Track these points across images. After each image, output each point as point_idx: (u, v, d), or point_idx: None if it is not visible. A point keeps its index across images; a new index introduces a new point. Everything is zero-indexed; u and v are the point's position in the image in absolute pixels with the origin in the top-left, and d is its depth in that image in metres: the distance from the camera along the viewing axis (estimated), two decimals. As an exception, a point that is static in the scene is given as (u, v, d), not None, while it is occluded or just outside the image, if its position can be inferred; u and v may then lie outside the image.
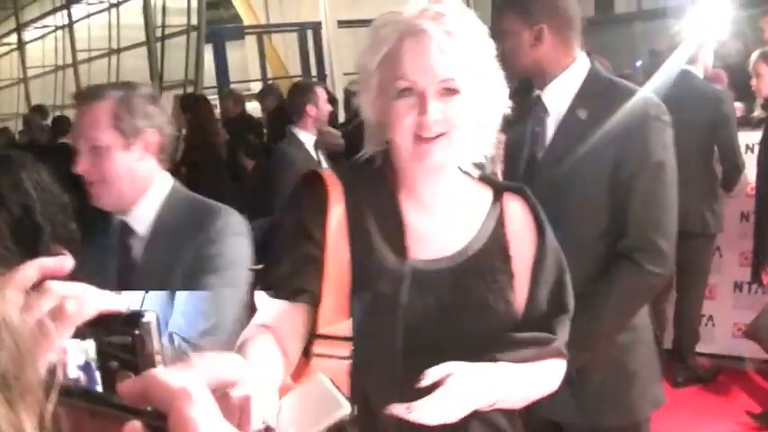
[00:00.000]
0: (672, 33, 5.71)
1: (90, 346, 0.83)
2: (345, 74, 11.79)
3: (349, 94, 7.70)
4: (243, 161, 7.51)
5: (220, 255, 2.33)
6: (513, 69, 2.50)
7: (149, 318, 0.83)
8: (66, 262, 0.87)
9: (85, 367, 0.84)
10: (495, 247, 1.88)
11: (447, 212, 1.88)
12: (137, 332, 0.82)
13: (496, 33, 2.62)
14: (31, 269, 0.84)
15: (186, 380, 0.69)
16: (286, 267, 1.79)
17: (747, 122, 5.75)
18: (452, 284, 1.82)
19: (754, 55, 5.07)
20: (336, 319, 1.77)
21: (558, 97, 2.64)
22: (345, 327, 1.76)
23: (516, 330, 1.82)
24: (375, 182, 1.88)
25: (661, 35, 6.36)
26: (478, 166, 1.91)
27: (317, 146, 5.68)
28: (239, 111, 9.24)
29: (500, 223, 1.89)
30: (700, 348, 5.83)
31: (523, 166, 2.71)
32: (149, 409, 0.69)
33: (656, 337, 2.78)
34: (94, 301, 0.82)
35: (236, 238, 2.37)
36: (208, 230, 2.34)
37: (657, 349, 2.73)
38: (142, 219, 2.44)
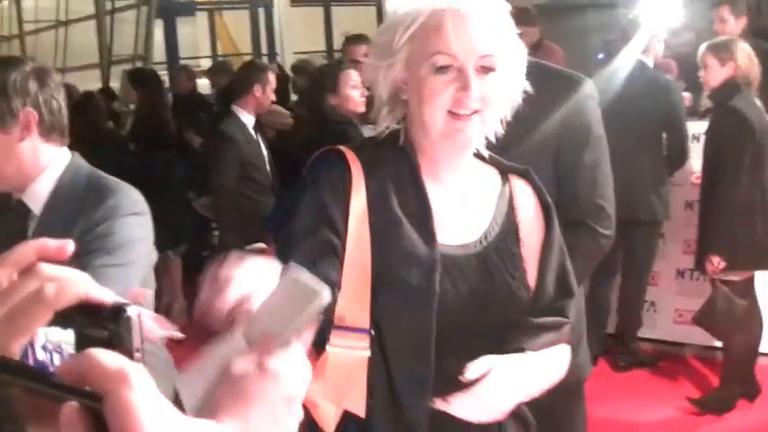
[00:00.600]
0: (624, 23, 5.77)
1: (70, 336, 0.80)
2: (296, 53, 11.71)
3: (298, 72, 7.64)
4: (189, 138, 7.44)
5: (110, 234, 2.26)
6: None
7: (131, 313, 0.80)
8: (69, 245, 0.85)
9: (60, 356, 0.81)
10: (509, 231, 1.86)
11: (464, 195, 1.85)
12: (115, 327, 0.79)
13: None
14: (27, 249, 0.81)
15: (124, 361, 0.68)
16: (303, 254, 1.69)
17: (695, 113, 5.84)
18: (480, 271, 1.79)
19: (703, 47, 5.12)
20: (355, 310, 1.71)
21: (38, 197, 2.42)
22: (365, 318, 1.70)
23: (528, 315, 1.81)
24: (397, 162, 1.82)
25: (614, 25, 6.39)
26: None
27: (258, 125, 5.64)
28: (191, 87, 9.14)
29: (511, 206, 1.88)
30: (642, 334, 5.91)
31: None
32: (88, 389, 0.67)
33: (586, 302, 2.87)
34: (77, 288, 0.79)
35: (128, 217, 2.30)
36: (97, 210, 2.27)
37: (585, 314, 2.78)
38: (37, 197, 2.34)
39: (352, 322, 1.70)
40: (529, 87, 1.82)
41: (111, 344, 0.78)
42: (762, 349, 5.25)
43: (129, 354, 0.77)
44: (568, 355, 1.88)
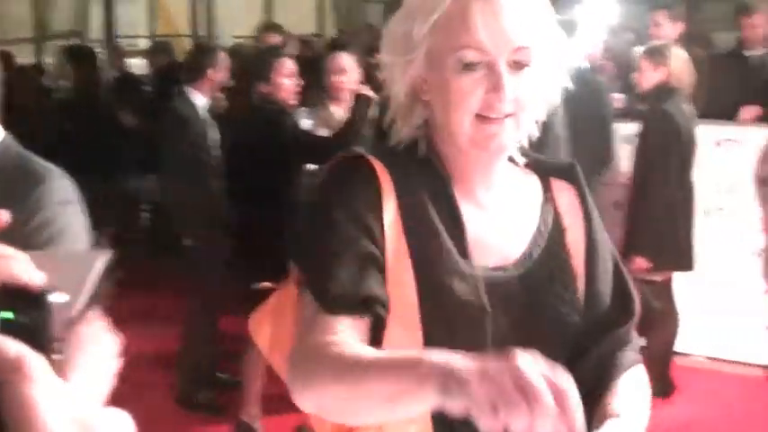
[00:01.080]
0: (563, 23, 5.82)
1: None
2: (235, 36, 11.61)
3: (234, 56, 7.61)
4: (124, 118, 7.35)
5: (49, 224, 2.21)
6: None
7: (55, 300, 0.77)
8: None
9: None
10: (557, 241, 1.60)
11: (500, 209, 1.59)
12: (38, 312, 0.76)
13: None
14: None
15: (24, 350, 0.68)
16: (348, 272, 1.43)
17: (628, 114, 5.93)
18: (524, 296, 1.54)
19: (639, 50, 5.21)
20: (407, 336, 1.45)
21: None
22: (418, 345, 1.44)
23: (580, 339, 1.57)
24: (426, 173, 1.54)
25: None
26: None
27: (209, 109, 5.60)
28: (121, 66, 9.05)
29: (556, 219, 1.62)
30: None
31: None
32: None
33: None
34: (2, 267, 0.77)
35: (67, 206, 2.24)
36: (30, 196, 2.21)
37: None
38: None
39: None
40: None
41: (32, 330, 0.76)
42: (677, 348, 5.37)
43: (49, 341, 0.75)
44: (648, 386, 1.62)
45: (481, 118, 1.45)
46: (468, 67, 1.44)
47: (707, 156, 5.40)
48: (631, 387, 1.56)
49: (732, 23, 6.66)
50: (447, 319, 1.46)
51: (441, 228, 1.49)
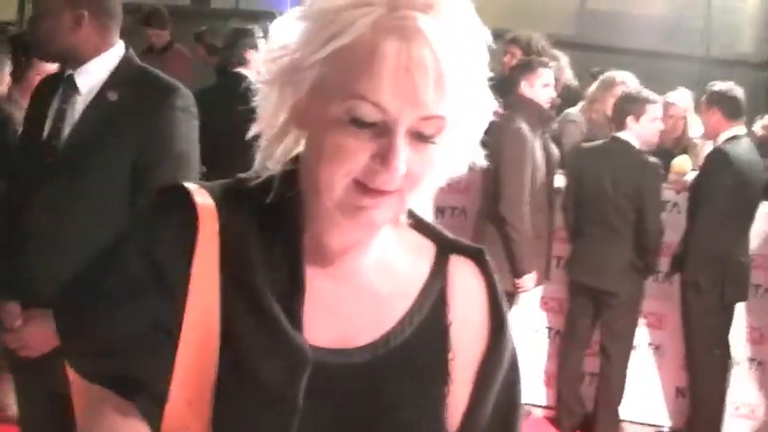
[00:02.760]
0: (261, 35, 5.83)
1: None
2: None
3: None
4: None
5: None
6: (47, 51, 2.88)
7: None
8: None
9: None
10: (430, 337, 1.25)
11: (364, 280, 1.24)
12: None
13: (35, 12, 2.84)
14: None
15: None
16: (118, 337, 1.12)
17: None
18: (361, 391, 1.20)
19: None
20: (189, 417, 1.12)
21: (89, 79, 2.76)
22: (204, 429, 1.13)
23: None
24: (273, 219, 1.19)
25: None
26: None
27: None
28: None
29: (441, 301, 1.26)
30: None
31: (40, 141, 2.79)
32: None
33: None
34: None
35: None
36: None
37: None
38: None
39: None
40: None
41: None
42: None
43: None
44: None
45: (359, 185, 1.10)
46: (357, 123, 1.07)
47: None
48: None
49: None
50: (245, 406, 1.14)
51: (268, 290, 1.15)
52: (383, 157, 1.08)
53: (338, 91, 1.08)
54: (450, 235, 1.31)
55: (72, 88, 2.78)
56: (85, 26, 2.73)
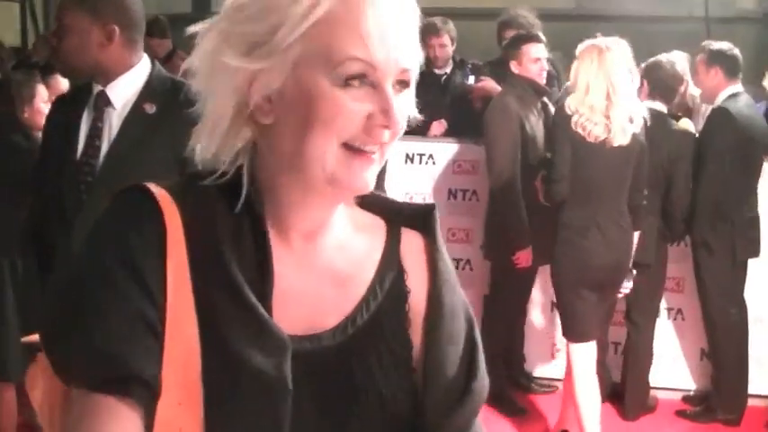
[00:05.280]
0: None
1: None
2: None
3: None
4: None
5: None
6: (77, 68, 2.86)
7: None
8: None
9: None
10: (393, 309, 1.30)
11: (325, 263, 1.28)
12: None
13: (61, 30, 2.81)
14: None
15: None
16: (111, 334, 1.11)
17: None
18: (339, 372, 1.25)
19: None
20: (182, 415, 1.14)
21: (123, 94, 2.80)
22: (196, 427, 1.14)
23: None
24: (233, 211, 1.22)
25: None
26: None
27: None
28: None
29: (399, 272, 1.32)
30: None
31: (74, 161, 2.79)
32: None
33: None
34: None
35: None
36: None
37: None
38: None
39: None
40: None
41: None
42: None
43: None
44: None
45: (349, 149, 1.17)
46: (352, 81, 1.14)
47: (398, 169, 5.79)
48: None
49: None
50: (236, 398, 1.16)
51: (241, 280, 1.18)
52: (383, 110, 1.16)
53: (325, 59, 1.14)
54: (396, 203, 1.37)
55: (105, 104, 2.80)
56: (116, 41, 2.78)
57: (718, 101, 5.36)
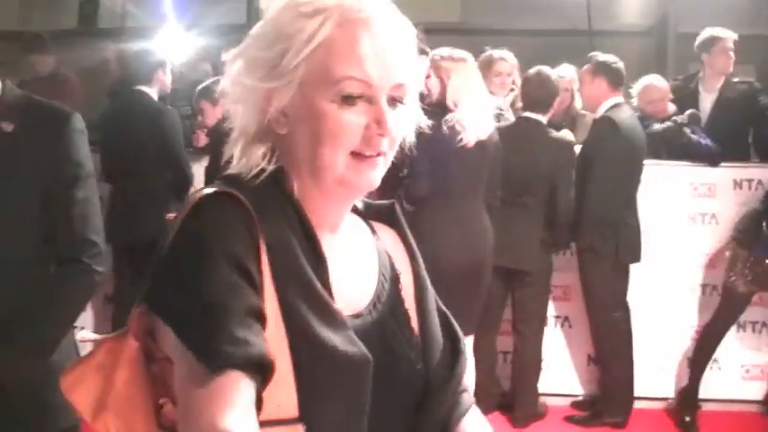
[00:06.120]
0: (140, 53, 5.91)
1: None
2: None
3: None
4: None
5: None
6: None
7: None
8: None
9: None
10: (393, 289, 1.52)
11: (345, 253, 1.47)
12: None
13: None
14: None
15: None
16: (238, 325, 1.23)
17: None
18: (380, 342, 1.43)
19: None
20: (281, 394, 1.27)
21: None
22: (293, 404, 1.28)
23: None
24: (285, 211, 1.40)
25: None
26: None
27: None
28: None
29: (388, 257, 1.55)
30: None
31: None
32: None
33: None
34: None
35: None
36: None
37: None
38: None
39: (281, 412, 1.27)
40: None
41: None
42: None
43: None
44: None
45: (356, 156, 1.36)
46: (348, 100, 1.33)
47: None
48: (478, 428, 1.56)
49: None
50: (325, 373, 1.30)
51: (311, 273, 1.35)
52: (377, 121, 1.34)
53: (326, 78, 1.33)
54: (361, 203, 1.57)
55: None
56: None
57: (601, 110, 5.50)
